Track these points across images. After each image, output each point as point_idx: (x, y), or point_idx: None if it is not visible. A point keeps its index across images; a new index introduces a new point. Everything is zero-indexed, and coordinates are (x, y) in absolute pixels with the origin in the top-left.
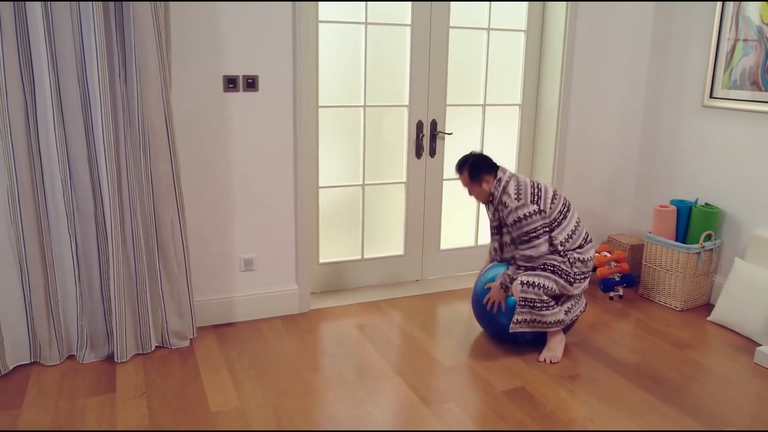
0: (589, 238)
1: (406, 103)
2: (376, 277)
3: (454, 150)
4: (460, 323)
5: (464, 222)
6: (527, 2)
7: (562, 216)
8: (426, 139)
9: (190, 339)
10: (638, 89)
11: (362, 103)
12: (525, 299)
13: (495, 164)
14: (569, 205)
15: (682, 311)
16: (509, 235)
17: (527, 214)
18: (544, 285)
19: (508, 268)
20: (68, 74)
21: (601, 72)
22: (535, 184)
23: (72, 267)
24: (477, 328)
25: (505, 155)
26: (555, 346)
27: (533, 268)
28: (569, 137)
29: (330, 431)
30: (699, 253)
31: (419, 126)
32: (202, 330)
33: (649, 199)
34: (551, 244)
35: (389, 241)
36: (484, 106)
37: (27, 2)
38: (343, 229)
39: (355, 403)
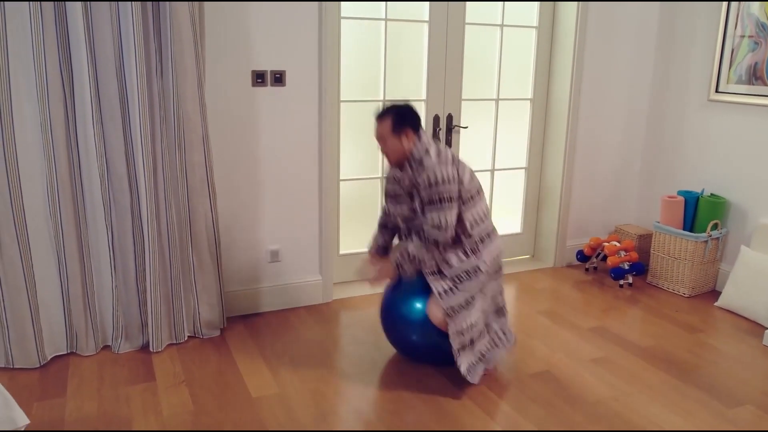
0: (495, 229)
1: (424, 97)
2: None
3: (469, 143)
4: None
5: None
6: (538, 3)
7: (475, 191)
8: (442, 132)
9: (221, 329)
10: (645, 84)
11: (381, 98)
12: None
13: (420, 124)
14: (482, 190)
15: (690, 297)
16: (415, 204)
17: (445, 176)
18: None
19: (408, 244)
20: (107, 70)
21: (609, 67)
22: (455, 155)
23: (108, 258)
24: None
25: (516, 148)
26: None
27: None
28: (579, 130)
29: (330, 431)
30: (706, 242)
31: (436, 120)
32: (231, 320)
33: (654, 190)
34: (460, 222)
35: None
36: (497, 100)
37: (68, 1)
38: (362, 221)
39: (391, 386)
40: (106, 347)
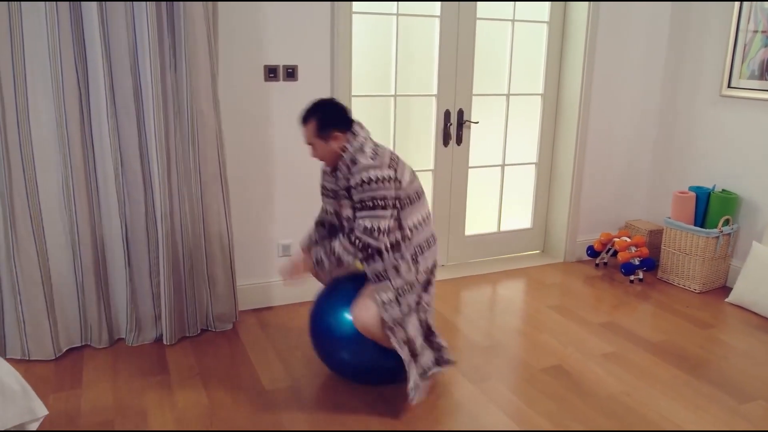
0: (434, 237)
1: (435, 92)
2: None
3: (479, 138)
4: (489, 305)
5: (488, 208)
6: (551, 1)
7: (416, 196)
8: (453, 127)
9: (233, 322)
10: (657, 79)
11: (392, 93)
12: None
13: (351, 118)
14: (423, 191)
15: (701, 293)
16: (349, 208)
17: (381, 177)
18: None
19: (335, 240)
20: (121, 66)
21: (620, 62)
22: (394, 154)
23: (122, 252)
24: (506, 311)
25: (527, 143)
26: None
27: (371, 256)
28: (590, 125)
29: (333, 431)
30: (717, 238)
31: (447, 115)
32: (243, 313)
33: (665, 185)
34: (399, 227)
35: None
36: (508, 95)
37: (83, 0)
38: None
39: (403, 381)
40: (120, 340)
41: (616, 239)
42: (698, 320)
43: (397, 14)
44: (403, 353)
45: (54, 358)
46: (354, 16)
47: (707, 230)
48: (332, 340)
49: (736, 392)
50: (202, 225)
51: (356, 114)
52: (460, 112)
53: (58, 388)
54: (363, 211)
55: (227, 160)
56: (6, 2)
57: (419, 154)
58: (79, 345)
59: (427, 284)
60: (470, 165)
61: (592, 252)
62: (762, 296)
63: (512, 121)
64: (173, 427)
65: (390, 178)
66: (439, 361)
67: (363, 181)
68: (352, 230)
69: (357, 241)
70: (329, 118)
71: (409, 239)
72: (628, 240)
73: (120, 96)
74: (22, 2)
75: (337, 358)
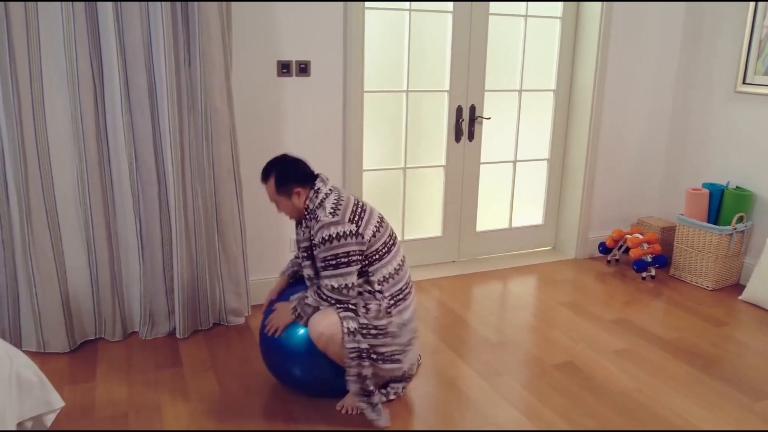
0: (411, 285)
1: (447, 88)
2: (414, 258)
3: (491, 134)
4: (500, 301)
5: (500, 204)
6: (564, 1)
7: (385, 250)
8: (465, 123)
9: (245, 317)
10: (670, 75)
11: (405, 88)
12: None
13: (312, 173)
14: (396, 239)
15: (714, 290)
16: (310, 268)
17: (340, 233)
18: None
19: (307, 294)
20: (136, 62)
21: (634, 58)
22: (360, 205)
23: (136, 247)
24: (518, 307)
25: (539, 139)
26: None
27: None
28: (602, 121)
29: (335, 431)
30: (731, 235)
31: (459, 111)
32: (255, 308)
33: (678, 182)
34: (367, 282)
35: (427, 222)
36: (520, 91)
37: None
38: (384, 211)
39: (416, 375)
40: (133, 333)
41: (629, 236)
42: (711, 317)
43: (410, 10)
44: (353, 387)
45: (69, 350)
46: (366, 11)
47: (720, 227)
48: (282, 353)
49: (751, 390)
50: (215, 220)
51: (368, 109)
52: (472, 108)
53: (73, 381)
54: (327, 270)
55: (240, 155)
56: (23, 0)
57: (431, 149)
58: (94, 338)
59: (406, 344)
60: (482, 161)
61: (604, 248)
62: None
63: (524, 117)
64: (186, 419)
65: (351, 233)
66: (390, 384)
67: (324, 239)
68: (319, 287)
69: (328, 299)
70: (287, 174)
71: (380, 293)
72: (641, 237)
73: (134, 92)
74: (38, 0)
75: (288, 372)
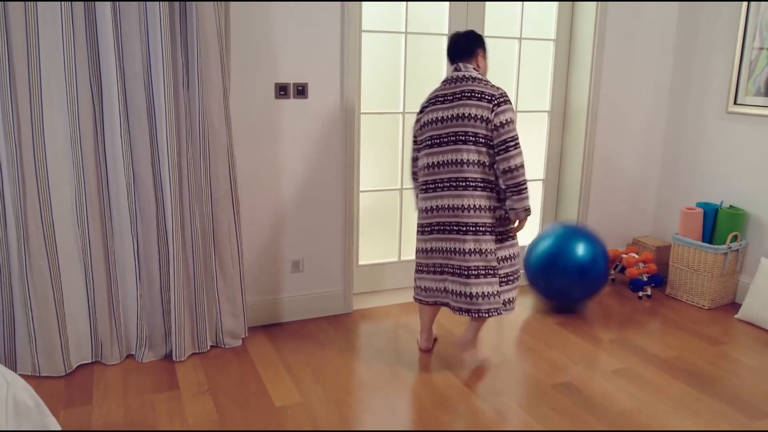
0: (433, 188)
1: None
2: (411, 279)
3: None
4: (498, 321)
5: None
6: (556, 15)
7: (424, 145)
8: None
9: (243, 338)
10: (663, 96)
11: (401, 110)
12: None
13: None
14: (433, 145)
15: (710, 309)
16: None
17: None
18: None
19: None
20: (135, 83)
21: (627, 79)
22: (434, 97)
23: (133, 268)
24: (516, 327)
25: (534, 159)
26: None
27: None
28: (597, 142)
29: (339, 431)
30: (726, 254)
31: None
32: (252, 330)
33: (673, 201)
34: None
35: None
36: (515, 112)
37: (98, 15)
38: (380, 232)
39: (414, 396)
40: (130, 356)
41: (624, 255)
42: (708, 336)
43: (406, 32)
44: None
45: (64, 374)
46: (363, 34)
47: (715, 246)
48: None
49: (749, 409)
50: (213, 241)
51: (365, 131)
52: None
53: (69, 405)
54: (512, 150)
55: (238, 176)
56: (23, 19)
57: None
58: (90, 361)
59: (420, 227)
60: None
61: None
62: None
63: (520, 137)
64: None
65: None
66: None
67: (506, 121)
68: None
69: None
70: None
71: (418, 175)
72: (636, 256)
73: (133, 113)
74: (38, 19)
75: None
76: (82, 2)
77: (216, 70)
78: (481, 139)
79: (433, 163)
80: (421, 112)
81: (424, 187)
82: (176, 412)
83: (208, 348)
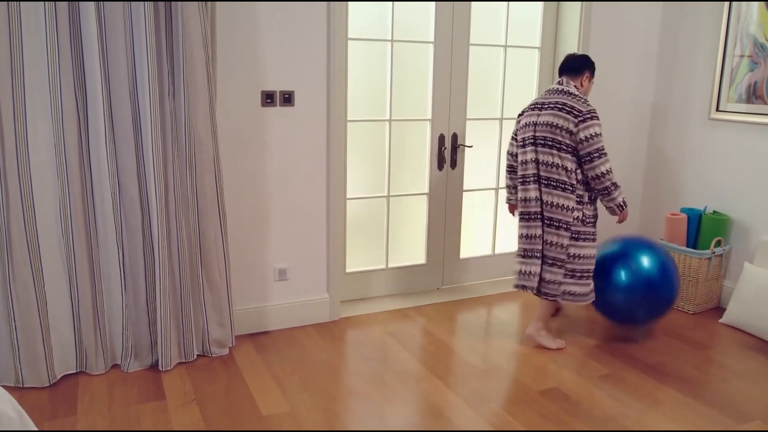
0: (523, 181)
1: (429, 117)
2: (398, 286)
3: (474, 162)
4: (486, 328)
5: (483, 231)
6: (540, 23)
7: (520, 144)
8: (447, 151)
9: (229, 347)
10: (647, 102)
11: (388, 117)
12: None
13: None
14: (526, 145)
15: (695, 314)
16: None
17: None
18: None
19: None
20: (121, 92)
21: (611, 87)
22: (540, 103)
23: (119, 278)
24: (503, 332)
25: None
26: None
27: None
28: None
29: (339, 431)
30: (710, 259)
31: (441, 139)
32: (239, 338)
33: (657, 207)
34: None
35: (411, 250)
36: (501, 119)
37: (82, 18)
38: (368, 239)
39: (403, 404)
40: (115, 366)
41: None
42: (693, 341)
43: (392, 40)
44: None
45: (48, 385)
46: (350, 42)
47: (700, 251)
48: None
49: (735, 413)
50: (199, 251)
51: (351, 138)
52: (455, 136)
53: (53, 416)
54: (597, 159)
55: (224, 186)
56: (7, 28)
57: (414, 177)
58: (75, 371)
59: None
60: (465, 188)
61: None
62: (755, 317)
63: (506, 144)
64: None
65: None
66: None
67: (592, 135)
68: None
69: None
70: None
71: (515, 168)
72: None
73: (119, 123)
74: (22, 28)
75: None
76: (66, 2)
77: (202, 79)
78: (564, 147)
79: (524, 160)
80: (521, 114)
81: (521, 180)
82: (162, 422)
83: (195, 357)
